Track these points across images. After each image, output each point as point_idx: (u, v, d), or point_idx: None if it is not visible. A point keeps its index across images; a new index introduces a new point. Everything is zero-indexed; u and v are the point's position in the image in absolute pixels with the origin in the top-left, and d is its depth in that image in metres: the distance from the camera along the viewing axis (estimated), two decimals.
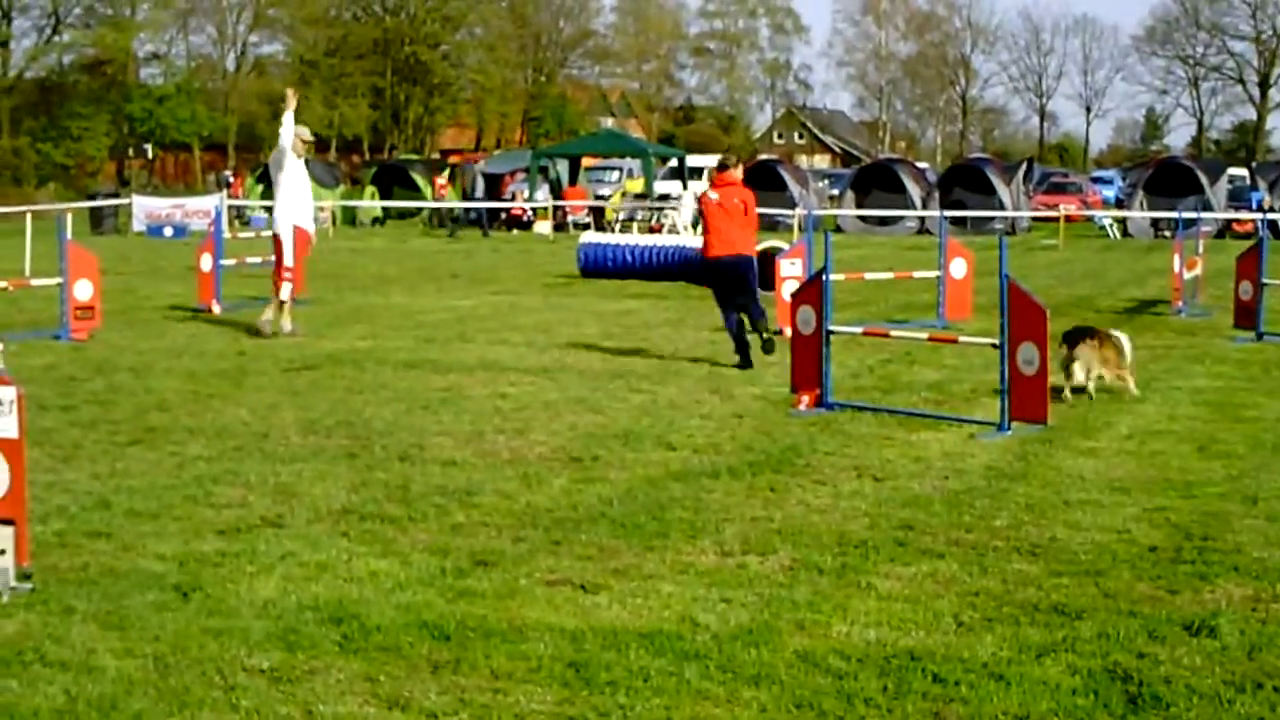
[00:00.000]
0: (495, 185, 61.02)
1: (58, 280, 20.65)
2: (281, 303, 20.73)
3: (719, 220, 17.79)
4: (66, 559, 8.97)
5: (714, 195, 18.01)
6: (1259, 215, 44.19)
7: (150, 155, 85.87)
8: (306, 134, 21.05)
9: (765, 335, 17.60)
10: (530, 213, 54.20)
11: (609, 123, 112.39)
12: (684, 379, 16.32)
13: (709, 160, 66.42)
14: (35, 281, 23.81)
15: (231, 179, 66.50)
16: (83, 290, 20.49)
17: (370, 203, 59.80)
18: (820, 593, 8.30)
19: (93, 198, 59.29)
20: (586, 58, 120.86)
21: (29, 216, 37.45)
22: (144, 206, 56.14)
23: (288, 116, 20.61)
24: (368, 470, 11.46)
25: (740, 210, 17.78)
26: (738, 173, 18.02)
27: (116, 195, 60.82)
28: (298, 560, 8.91)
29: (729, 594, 8.25)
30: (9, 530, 8.27)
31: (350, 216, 59.45)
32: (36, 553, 8.76)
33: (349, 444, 12.55)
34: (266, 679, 7.00)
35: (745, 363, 17.32)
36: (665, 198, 54.57)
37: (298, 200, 21.15)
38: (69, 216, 22.03)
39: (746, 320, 17.77)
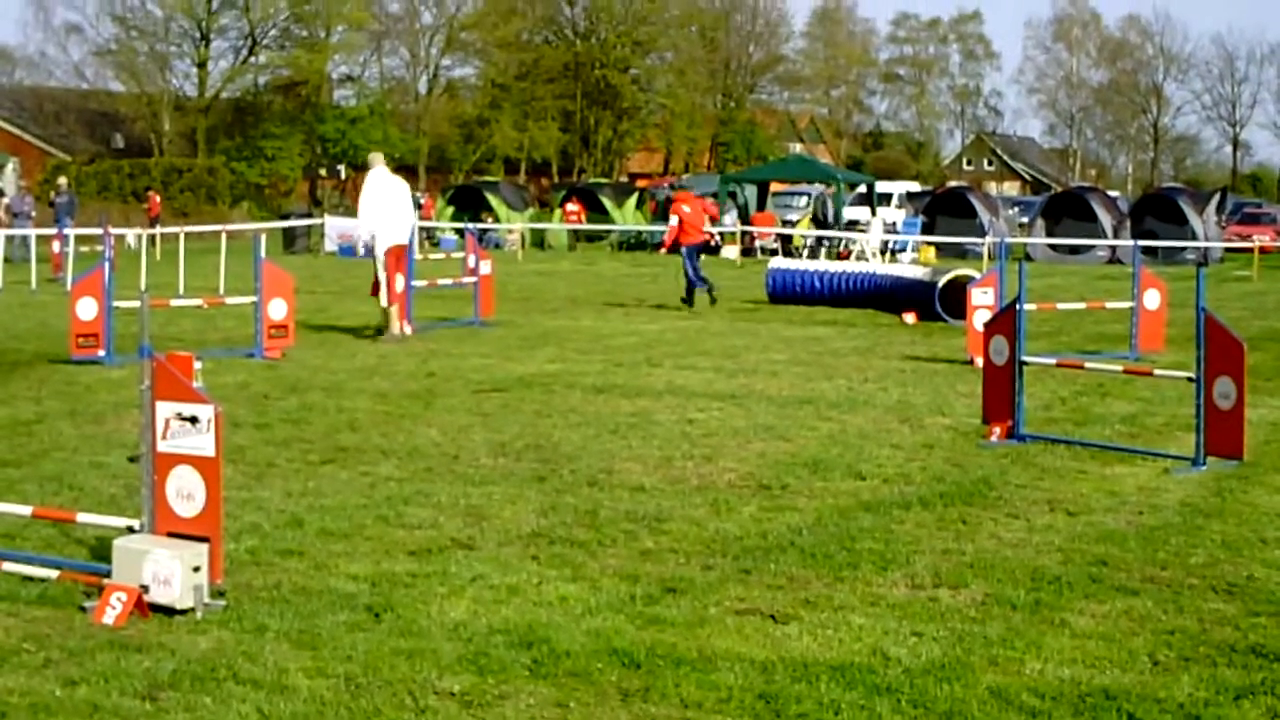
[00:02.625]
0: None
1: (252, 299, 20.94)
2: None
3: (694, 220, 29.81)
4: (260, 577, 9.06)
5: (686, 208, 29.94)
6: None
7: (343, 176, 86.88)
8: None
9: (714, 295, 29.45)
10: (718, 237, 54.18)
11: (797, 148, 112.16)
12: (873, 408, 16.21)
13: (899, 186, 66.18)
14: (230, 300, 24.14)
15: (423, 201, 67.10)
16: (277, 309, 20.75)
17: (559, 225, 60.07)
18: (1013, 628, 8.19)
19: (285, 217, 60.15)
20: (776, 83, 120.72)
21: (224, 235, 38.01)
22: (336, 227, 56.78)
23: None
24: (557, 494, 11.49)
25: (700, 213, 29.74)
26: (694, 191, 28.13)
27: (309, 215, 61.63)
28: (488, 583, 8.95)
29: (920, 627, 8.17)
30: (204, 547, 8.38)
31: (539, 239, 59.78)
32: (230, 570, 8.87)
33: (538, 467, 12.59)
34: (457, 702, 7.02)
35: (690, 301, 29.51)
36: (853, 224, 54.36)
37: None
38: (263, 236, 22.30)
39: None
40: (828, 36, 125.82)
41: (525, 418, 15.26)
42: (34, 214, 47.60)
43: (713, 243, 53.58)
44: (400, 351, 21.32)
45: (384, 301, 22.89)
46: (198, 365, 8.72)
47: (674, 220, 29.95)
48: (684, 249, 29.68)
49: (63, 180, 52.78)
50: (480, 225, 53.40)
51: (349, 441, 13.83)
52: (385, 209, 23.58)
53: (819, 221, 53.19)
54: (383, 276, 22.95)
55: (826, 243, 50.52)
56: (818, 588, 8.97)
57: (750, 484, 12.01)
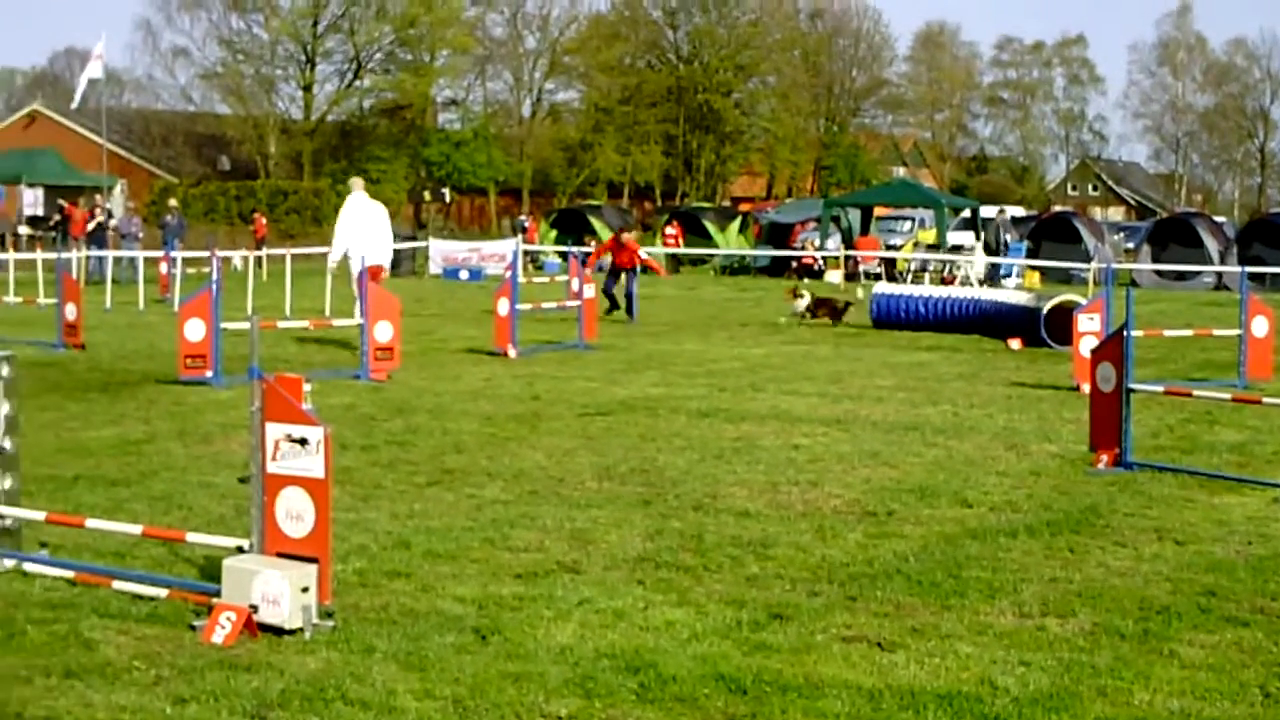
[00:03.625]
0: (785, 234, 60.95)
1: (358, 321, 21.06)
2: None
3: (632, 246, 33.73)
4: (367, 598, 9.11)
5: (626, 235, 34.58)
6: None
7: (447, 199, 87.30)
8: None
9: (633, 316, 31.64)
10: (821, 261, 54.06)
11: (901, 172, 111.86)
12: (979, 434, 16.13)
13: (1007, 211, 65.70)
14: (336, 322, 24.30)
15: (527, 224, 67.31)
16: (383, 332, 20.84)
17: (662, 249, 60.12)
18: (1122, 658, 8.13)
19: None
20: (879, 106, 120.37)
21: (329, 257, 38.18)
22: (441, 250, 57.08)
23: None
24: (662, 518, 11.49)
25: (634, 247, 33.63)
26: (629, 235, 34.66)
27: (414, 238, 61.88)
28: (594, 607, 8.96)
29: (1028, 657, 8.12)
30: (313, 568, 8.44)
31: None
32: (338, 591, 8.92)
33: (643, 491, 12.60)
34: None
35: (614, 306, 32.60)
36: (958, 249, 54.11)
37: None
38: (367, 259, 22.43)
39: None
40: (931, 60, 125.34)
41: (630, 441, 15.28)
42: (141, 235, 48.14)
43: (816, 266, 53.62)
44: (505, 374, 21.38)
45: (358, 318, 22.22)
46: (307, 387, 8.77)
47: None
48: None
49: (172, 202, 53.32)
50: (583, 248, 53.49)
51: (455, 464, 13.89)
52: (362, 231, 25.57)
53: (990, 249, 52.70)
54: (356, 292, 22.79)
55: (930, 267, 50.31)
56: (924, 615, 8.93)
57: (856, 510, 11.98)
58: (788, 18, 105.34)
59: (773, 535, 10.94)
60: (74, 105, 68.29)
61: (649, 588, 9.43)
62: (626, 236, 34.47)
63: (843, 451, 14.81)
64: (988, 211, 62.83)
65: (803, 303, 30.48)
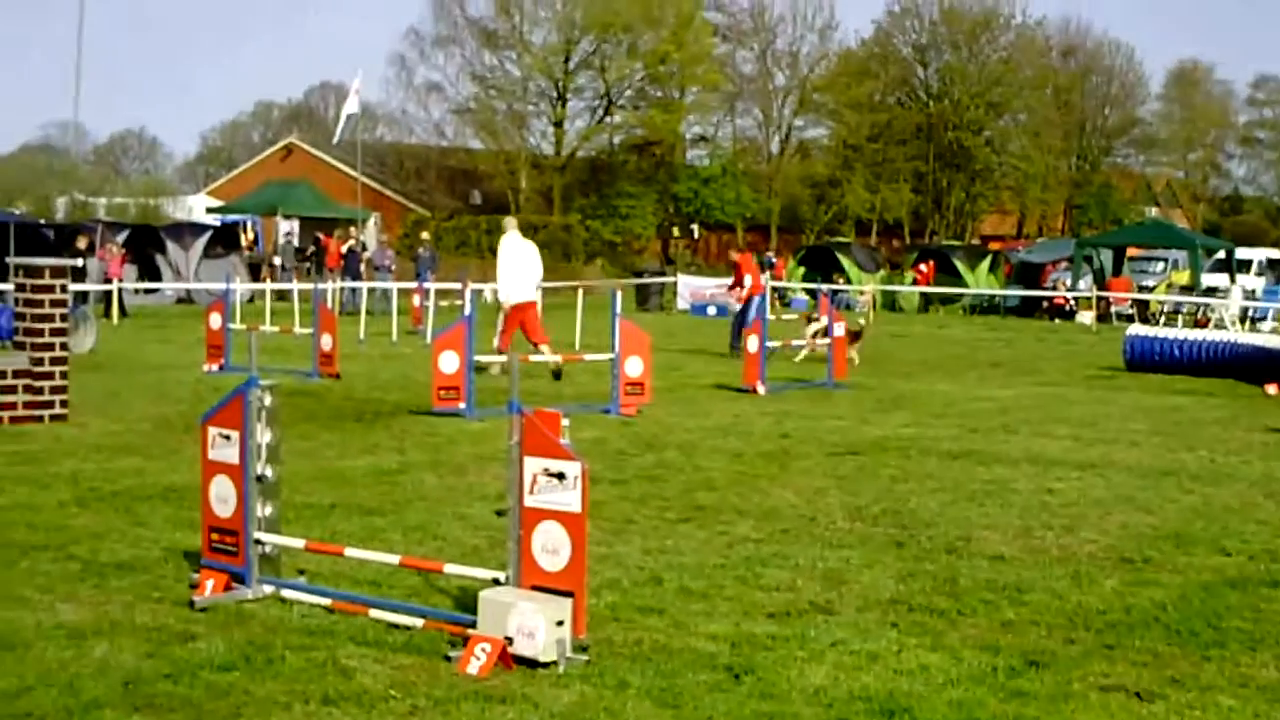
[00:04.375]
0: (1035, 274, 60.42)
1: (609, 356, 21.19)
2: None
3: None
4: (620, 633, 9.13)
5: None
6: None
7: (696, 234, 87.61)
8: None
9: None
10: (1073, 302, 53.50)
11: (1153, 212, 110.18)
12: (1236, 481, 15.80)
13: (1259, 253, 64.51)
14: (588, 356, 24.46)
15: (774, 260, 67.34)
16: (633, 367, 20.95)
17: (910, 288, 59.90)
18: None
19: (639, 275, 60.85)
20: (1131, 145, 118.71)
21: (580, 291, 38.57)
22: (688, 285, 57.36)
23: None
24: (915, 560, 11.40)
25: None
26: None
27: (662, 273, 62.26)
28: (848, 648, 8.90)
29: None
30: (568, 602, 8.47)
31: (890, 301, 59.65)
32: (591, 625, 8.95)
33: (895, 533, 12.51)
34: None
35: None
36: (1212, 291, 53.22)
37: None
38: (619, 294, 22.63)
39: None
40: (1184, 99, 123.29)
41: (881, 482, 15.19)
42: (394, 268, 48.93)
43: (1067, 307, 53.02)
44: (754, 411, 21.38)
45: (496, 344, 25.73)
46: (565, 422, 8.84)
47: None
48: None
49: (424, 235, 54.09)
50: (832, 286, 53.41)
51: (706, 500, 13.91)
52: (514, 269, 26.08)
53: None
54: (501, 325, 26.07)
55: (1183, 309, 49.57)
56: (1184, 666, 8.76)
57: (1112, 556, 11.79)
58: (1039, 54, 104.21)
59: (1027, 580, 10.80)
60: (335, 141, 69.57)
61: (903, 630, 9.35)
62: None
63: (1097, 496, 14.61)
64: (1248, 253, 61.70)
65: (815, 326, 29.88)
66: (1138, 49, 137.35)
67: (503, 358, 24.56)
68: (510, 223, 27.55)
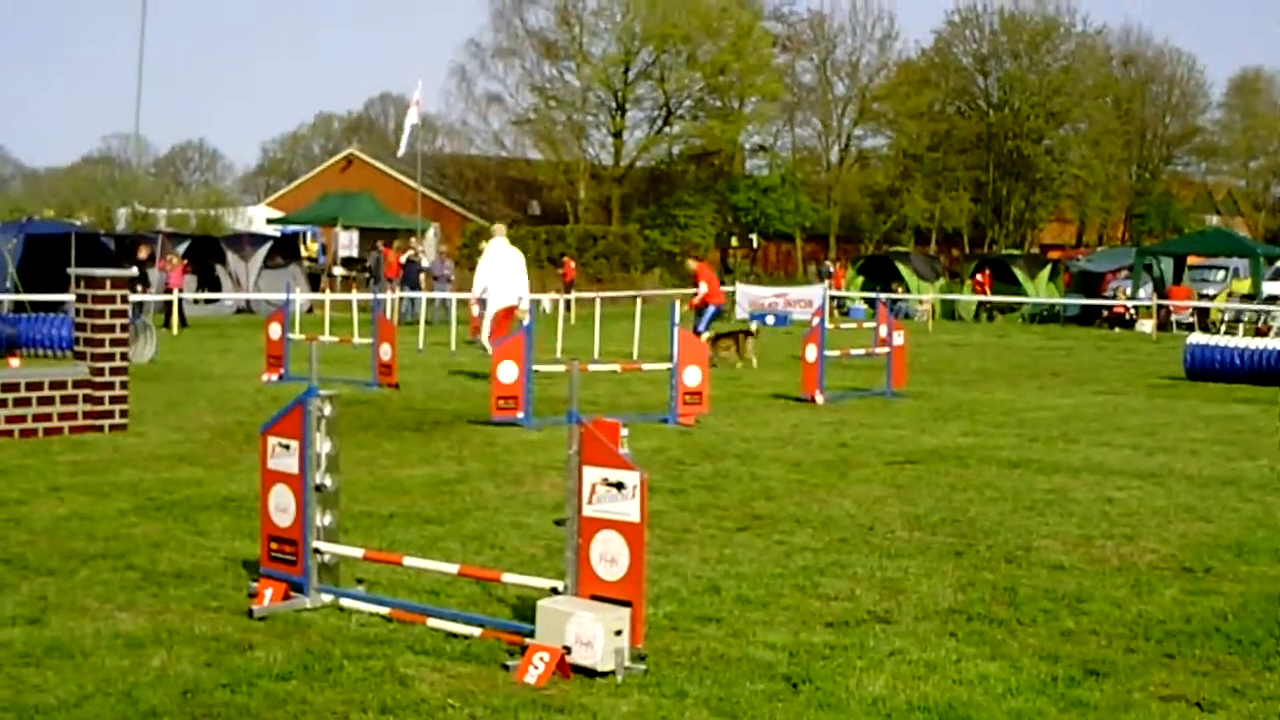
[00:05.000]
0: (1095, 282, 60.18)
1: (668, 365, 21.19)
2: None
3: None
4: (678, 642, 9.13)
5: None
6: None
7: (755, 244, 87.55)
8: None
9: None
10: (1133, 310, 53.27)
11: (1214, 220, 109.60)
12: None
13: None
14: (645, 366, 24.47)
15: (833, 270, 67.25)
16: (692, 376, 20.94)
17: (969, 296, 59.77)
18: None
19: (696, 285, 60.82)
20: (1192, 154, 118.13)
21: (638, 301, 38.60)
22: (747, 295, 57.35)
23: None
24: (974, 570, 11.36)
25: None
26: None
27: (720, 283, 62.19)
28: (906, 658, 8.88)
29: None
30: (626, 611, 8.48)
31: (950, 310, 59.52)
32: (649, 634, 8.94)
33: (954, 542, 12.47)
34: None
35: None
36: (1273, 299, 52.87)
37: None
38: (677, 304, 22.63)
39: None
40: (1246, 107, 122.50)
41: (940, 491, 15.15)
42: (453, 278, 49.05)
43: (1127, 315, 52.79)
44: (813, 421, 21.35)
45: (483, 339, 27.90)
46: (624, 432, 8.85)
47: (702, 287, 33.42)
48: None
49: (483, 245, 54.13)
50: (891, 295, 53.30)
51: (764, 509, 13.90)
52: (500, 274, 27.78)
53: None
54: (486, 328, 27.83)
55: (1244, 318, 49.26)
56: (1245, 676, 8.71)
57: (1172, 565, 11.73)
58: (1100, 64, 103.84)
59: (1087, 589, 10.75)
60: (400, 154, 69.69)
61: (962, 640, 9.32)
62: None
63: (1157, 505, 14.53)
64: None
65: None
66: (1199, 57, 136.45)
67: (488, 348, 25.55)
68: (499, 229, 29.06)
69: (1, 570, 10.75)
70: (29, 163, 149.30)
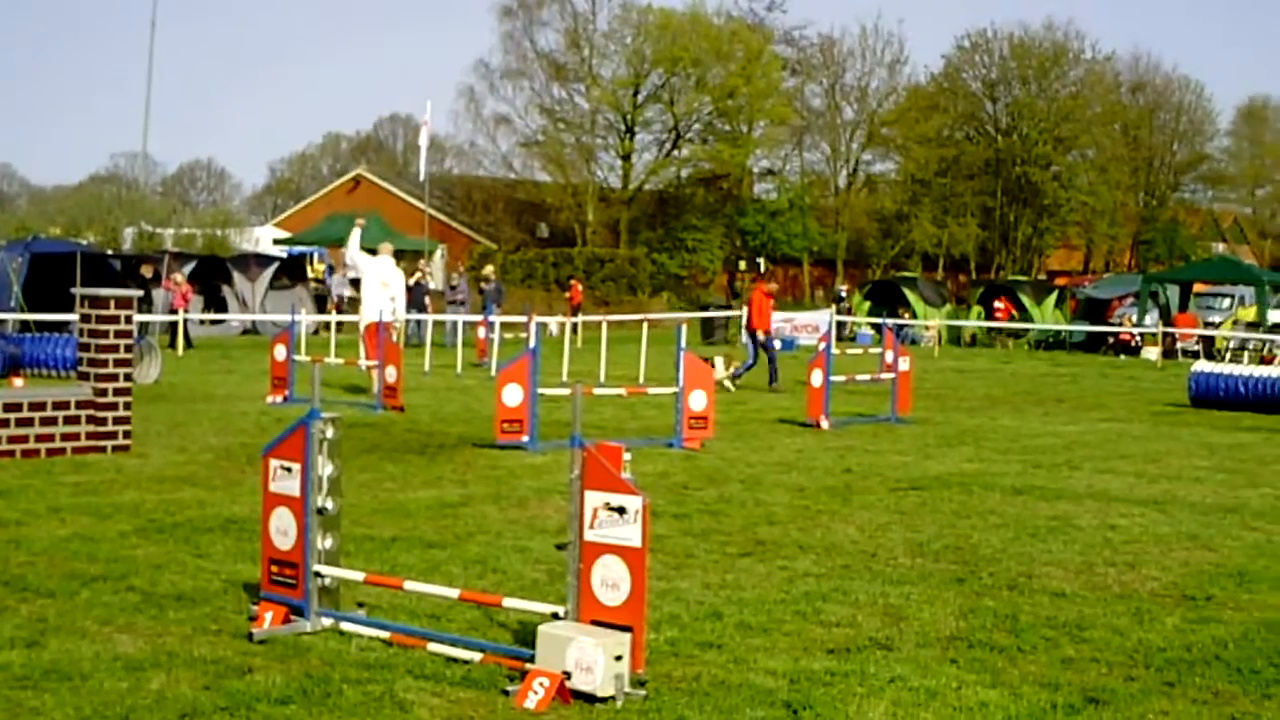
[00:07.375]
0: (1101, 309, 60.17)
1: (673, 390, 21.18)
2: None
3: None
4: (679, 668, 9.12)
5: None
6: None
7: (762, 269, 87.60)
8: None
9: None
10: (1138, 338, 53.26)
11: (1220, 248, 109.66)
12: None
13: None
14: (652, 390, 24.48)
15: (843, 294, 67.27)
16: (697, 400, 20.94)
17: (976, 322, 59.79)
18: None
19: (704, 308, 60.90)
20: (1199, 181, 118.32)
21: (645, 324, 38.62)
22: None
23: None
24: (975, 597, 11.35)
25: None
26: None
27: (728, 307, 62.24)
28: (907, 685, 8.86)
29: None
30: (627, 636, 8.47)
31: (955, 335, 59.54)
32: (650, 660, 8.93)
33: (956, 568, 12.46)
34: None
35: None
36: (1278, 327, 52.84)
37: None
38: (684, 327, 22.63)
39: None
40: (1253, 135, 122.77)
41: (943, 518, 15.14)
42: (468, 302, 49.11)
43: (1133, 342, 52.78)
44: (817, 446, 21.35)
45: (361, 365, 27.55)
46: (627, 456, 8.84)
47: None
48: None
49: (488, 269, 54.17)
50: (897, 320, 53.30)
51: (767, 535, 13.89)
52: (375, 290, 28.48)
53: None
54: (362, 347, 27.89)
55: (1249, 345, 49.23)
56: (1244, 704, 8.70)
57: (1173, 593, 11.72)
58: (1108, 90, 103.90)
59: (1088, 617, 10.74)
60: (420, 177, 69.59)
61: (962, 667, 9.31)
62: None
63: (1160, 533, 14.51)
64: None
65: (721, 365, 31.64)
66: (1207, 85, 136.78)
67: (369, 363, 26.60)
68: (386, 248, 29.73)
69: (1, 592, 10.75)
70: (37, 181, 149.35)
